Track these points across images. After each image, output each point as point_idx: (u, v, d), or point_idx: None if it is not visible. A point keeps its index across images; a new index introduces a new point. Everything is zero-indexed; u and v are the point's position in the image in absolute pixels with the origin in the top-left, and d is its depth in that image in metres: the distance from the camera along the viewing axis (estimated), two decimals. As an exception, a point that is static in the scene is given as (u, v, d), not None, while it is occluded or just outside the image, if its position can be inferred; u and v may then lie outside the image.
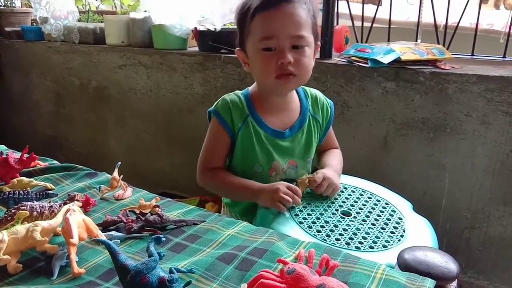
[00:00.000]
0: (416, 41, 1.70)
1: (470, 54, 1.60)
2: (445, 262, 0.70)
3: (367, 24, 1.78)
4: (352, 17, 1.83)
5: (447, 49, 1.55)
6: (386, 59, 1.39)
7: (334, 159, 1.17)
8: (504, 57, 1.56)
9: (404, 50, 1.43)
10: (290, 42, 0.97)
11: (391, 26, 1.76)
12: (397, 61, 1.39)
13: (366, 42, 1.76)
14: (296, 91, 1.13)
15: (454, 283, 0.71)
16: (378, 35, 1.77)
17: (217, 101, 1.10)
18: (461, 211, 1.42)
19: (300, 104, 1.13)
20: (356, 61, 1.49)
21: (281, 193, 0.95)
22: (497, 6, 2.33)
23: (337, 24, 1.77)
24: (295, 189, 0.97)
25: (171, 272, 0.60)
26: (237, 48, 1.08)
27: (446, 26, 1.62)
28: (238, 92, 1.11)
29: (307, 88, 1.17)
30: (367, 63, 1.44)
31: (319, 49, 1.10)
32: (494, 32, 1.86)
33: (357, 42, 1.78)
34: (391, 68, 1.41)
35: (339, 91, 1.53)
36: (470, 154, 1.36)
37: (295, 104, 1.12)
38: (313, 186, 1.02)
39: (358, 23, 1.81)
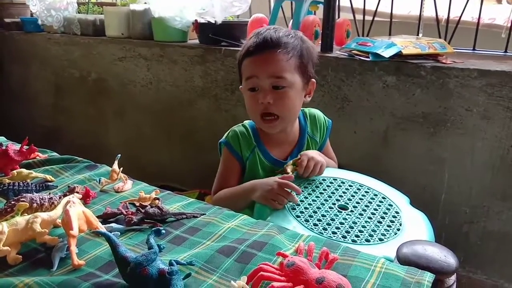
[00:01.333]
0: (418, 35, 1.69)
1: (471, 48, 1.60)
2: (444, 256, 0.70)
3: (368, 18, 1.77)
4: (353, 11, 1.82)
5: (449, 43, 1.54)
6: (387, 53, 1.39)
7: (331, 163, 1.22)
8: (505, 51, 1.55)
9: (406, 44, 1.42)
10: (270, 82, 1.05)
11: (393, 20, 1.75)
12: (398, 55, 1.39)
13: (367, 35, 1.75)
14: None
15: (453, 277, 0.71)
16: (380, 29, 1.76)
17: (227, 133, 1.19)
18: (460, 206, 1.42)
19: (300, 128, 1.20)
20: (357, 54, 1.48)
21: (276, 192, 0.97)
22: (499, 1, 2.32)
23: (339, 17, 1.76)
24: (291, 186, 0.98)
25: (171, 264, 0.60)
26: (240, 87, 1.16)
27: (448, 20, 1.62)
28: (246, 123, 1.20)
29: (306, 110, 1.24)
30: (368, 57, 1.43)
31: (314, 86, 1.16)
32: (496, 27, 1.84)
33: (358, 35, 1.77)
34: (392, 62, 1.41)
35: (340, 85, 1.52)
36: (470, 149, 1.36)
37: (295, 131, 1.20)
38: (301, 171, 1.06)
39: (359, 17, 1.80)
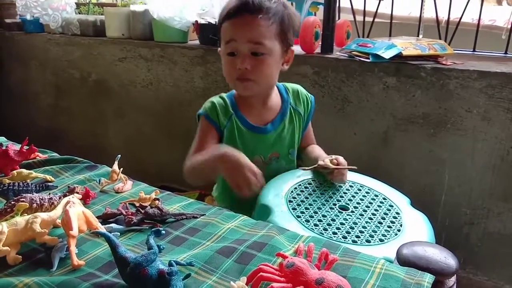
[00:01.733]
0: (418, 36, 1.69)
1: (471, 50, 1.60)
2: (444, 258, 0.70)
3: (368, 19, 1.78)
4: (354, 12, 1.82)
5: (449, 44, 1.54)
6: (387, 54, 1.39)
7: (323, 152, 1.20)
8: (505, 53, 1.55)
9: (406, 45, 1.42)
10: (248, 48, 1.04)
11: (393, 21, 1.75)
12: (399, 56, 1.39)
13: (367, 36, 1.75)
14: (277, 87, 1.20)
15: (453, 279, 0.71)
16: (380, 30, 1.76)
17: (204, 104, 1.17)
18: (460, 207, 1.42)
19: (281, 99, 1.19)
20: (357, 55, 1.48)
21: (247, 173, 0.92)
22: (499, 2, 2.33)
23: (339, 18, 1.76)
24: (258, 172, 0.95)
25: (170, 264, 0.60)
26: (219, 49, 1.14)
27: (448, 21, 1.62)
28: (223, 94, 1.18)
29: (287, 84, 1.23)
30: (368, 58, 1.44)
31: (292, 54, 1.14)
32: (496, 28, 1.85)
33: (359, 36, 1.77)
34: (392, 63, 1.41)
35: (340, 86, 1.52)
36: (470, 150, 1.36)
37: (276, 100, 1.18)
38: (335, 175, 1.04)
39: (359, 18, 1.80)
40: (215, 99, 1.16)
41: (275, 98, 1.18)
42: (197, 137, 1.16)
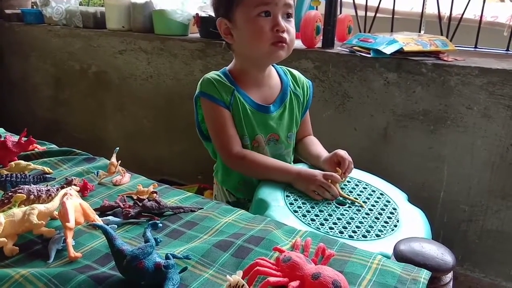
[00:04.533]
0: (420, 32, 1.68)
1: (473, 46, 1.59)
2: (441, 254, 0.70)
3: (370, 14, 1.76)
4: (355, 7, 1.81)
5: (451, 41, 1.53)
6: (388, 50, 1.38)
7: (322, 147, 1.20)
8: (507, 50, 1.54)
9: (407, 41, 1.41)
10: (283, 10, 1.02)
11: (395, 17, 1.74)
12: (400, 52, 1.38)
13: (369, 32, 1.74)
14: (275, 68, 1.17)
15: (450, 275, 0.71)
16: (381, 25, 1.75)
17: (199, 84, 1.11)
18: (458, 204, 1.42)
19: (281, 81, 1.16)
20: (358, 51, 1.48)
21: (318, 183, 0.98)
22: (502, -1, 2.31)
23: (340, 13, 1.75)
24: (335, 177, 0.99)
25: (167, 258, 0.60)
26: (219, 18, 1.07)
27: (450, 17, 1.61)
28: (214, 71, 1.13)
29: (285, 67, 1.21)
30: (369, 53, 1.43)
31: None
32: (498, 25, 1.83)
33: (360, 31, 1.76)
34: (393, 58, 1.40)
35: (340, 81, 1.52)
36: (470, 147, 1.36)
37: (275, 80, 1.16)
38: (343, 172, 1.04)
39: (361, 13, 1.79)
40: (209, 75, 1.11)
41: (274, 77, 1.16)
42: (210, 124, 1.11)
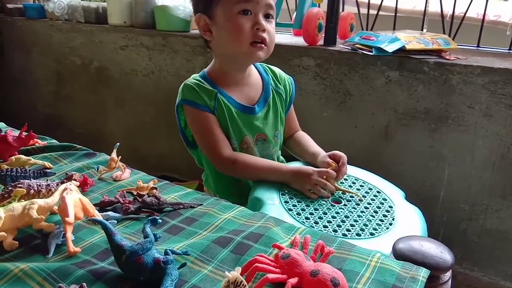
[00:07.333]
0: (422, 30, 1.68)
1: (475, 45, 1.59)
2: (440, 253, 0.70)
3: (373, 12, 1.76)
4: (358, 4, 1.81)
5: (453, 39, 1.53)
6: (390, 48, 1.37)
7: (315, 144, 1.19)
8: (510, 49, 1.54)
9: (409, 39, 1.41)
10: (264, 10, 1.00)
11: (397, 15, 1.74)
12: (402, 50, 1.38)
13: (371, 29, 1.74)
14: (255, 66, 1.15)
15: (449, 274, 0.71)
16: (384, 23, 1.75)
17: (180, 91, 1.09)
18: (459, 203, 1.42)
19: (262, 80, 1.15)
20: (360, 48, 1.47)
21: (314, 182, 0.97)
22: (505, -2, 2.30)
23: (343, 10, 1.75)
24: (330, 173, 0.98)
25: (166, 253, 0.60)
26: (198, 14, 1.05)
27: (452, 16, 1.60)
28: (193, 76, 1.11)
29: (265, 65, 1.19)
30: (371, 51, 1.42)
31: None
32: (501, 24, 1.83)
33: (362, 29, 1.76)
34: (395, 57, 1.40)
35: (342, 79, 1.52)
36: (471, 146, 1.36)
37: (256, 79, 1.14)
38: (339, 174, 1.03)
39: (364, 10, 1.78)
40: (189, 81, 1.09)
41: (254, 75, 1.14)
42: (199, 132, 1.08)
